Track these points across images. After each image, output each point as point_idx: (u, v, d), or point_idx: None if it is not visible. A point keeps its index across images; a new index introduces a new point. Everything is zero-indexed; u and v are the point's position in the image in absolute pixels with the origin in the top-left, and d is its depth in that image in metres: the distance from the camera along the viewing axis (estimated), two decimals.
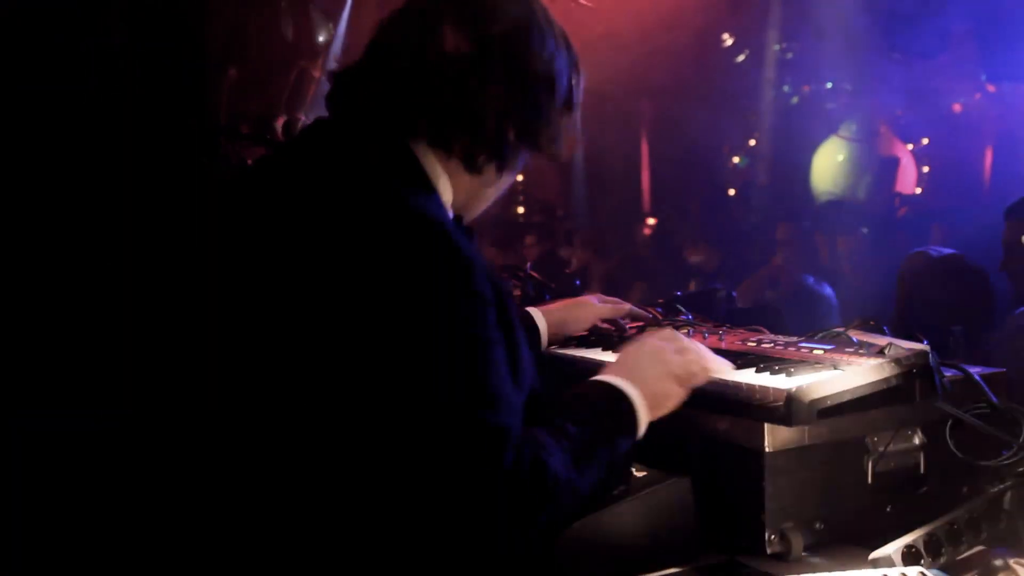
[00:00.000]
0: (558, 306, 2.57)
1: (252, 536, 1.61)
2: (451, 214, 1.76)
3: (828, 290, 4.97)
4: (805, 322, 4.18)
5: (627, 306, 2.64)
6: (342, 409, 1.53)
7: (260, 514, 1.60)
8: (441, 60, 1.70)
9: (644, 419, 1.77)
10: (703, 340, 2.34)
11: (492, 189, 1.86)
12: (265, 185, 1.75)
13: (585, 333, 2.57)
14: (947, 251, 3.82)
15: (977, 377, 2.10)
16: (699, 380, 1.87)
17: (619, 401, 1.75)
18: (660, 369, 1.83)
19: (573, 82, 1.84)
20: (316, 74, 4.30)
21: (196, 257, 1.80)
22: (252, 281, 1.62)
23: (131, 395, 2.32)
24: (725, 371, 1.92)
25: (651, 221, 9.43)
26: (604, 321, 2.59)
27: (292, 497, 1.58)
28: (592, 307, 2.57)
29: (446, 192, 1.76)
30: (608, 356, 2.33)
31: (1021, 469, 2.00)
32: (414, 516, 1.54)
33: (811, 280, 5.01)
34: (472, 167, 1.75)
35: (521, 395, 1.63)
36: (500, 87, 1.71)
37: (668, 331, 2.00)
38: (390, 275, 1.52)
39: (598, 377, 1.82)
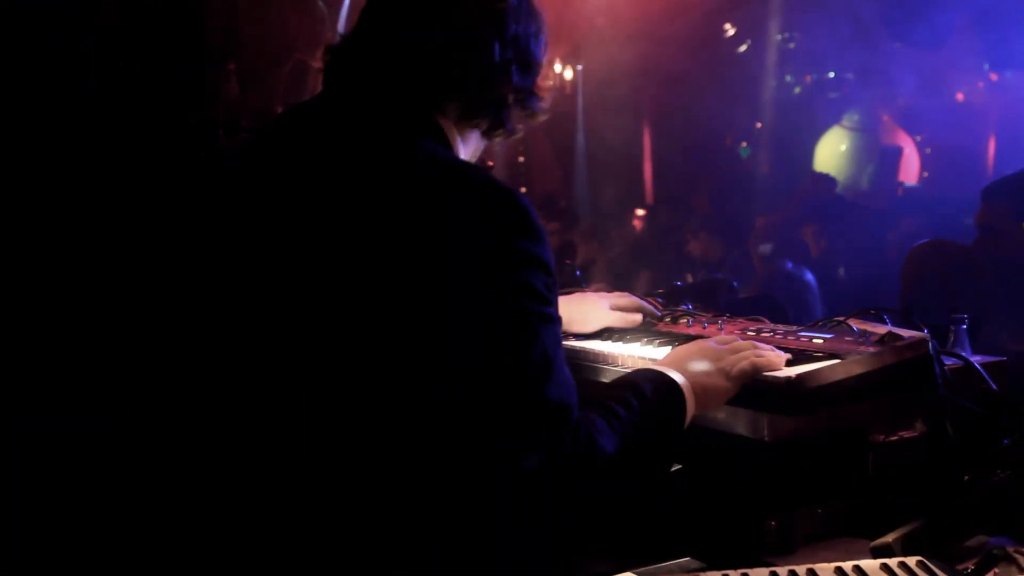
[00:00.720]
0: (564, 302, 2.49)
1: (292, 527, 1.57)
2: None
3: (809, 276, 4.95)
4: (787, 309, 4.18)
5: (638, 302, 2.56)
6: (402, 385, 1.51)
7: (307, 503, 1.56)
8: (454, 32, 1.71)
9: (691, 408, 1.80)
10: (703, 330, 2.34)
11: (478, 150, 1.86)
12: (283, 163, 1.70)
13: (593, 333, 2.50)
14: (951, 242, 3.81)
15: (977, 365, 2.10)
16: (749, 377, 1.89)
17: (669, 390, 1.79)
18: (711, 365, 1.88)
19: (543, 42, 1.85)
20: (317, 65, 4.29)
21: (198, 251, 1.78)
22: (289, 257, 1.58)
23: (142, 392, 2.32)
24: (779, 365, 1.92)
25: (640, 212, 9.40)
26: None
27: (346, 476, 1.54)
28: (603, 311, 2.48)
29: (463, 155, 1.77)
30: (618, 347, 2.31)
31: (1021, 457, 2.00)
32: (467, 492, 1.55)
33: (790, 266, 4.99)
34: (488, 133, 1.78)
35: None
36: (509, 56, 1.74)
37: (726, 336, 2.05)
38: (459, 241, 1.50)
39: (650, 366, 1.87)
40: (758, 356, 1.91)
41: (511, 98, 1.77)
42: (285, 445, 1.57)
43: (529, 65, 1.78)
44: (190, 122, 2.72)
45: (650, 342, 2.31)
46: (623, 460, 1.63)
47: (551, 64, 1.94)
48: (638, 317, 2.50)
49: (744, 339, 2.19)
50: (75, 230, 2.47)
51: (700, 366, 1.87)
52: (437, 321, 1.49)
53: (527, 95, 1.80)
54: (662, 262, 7.53)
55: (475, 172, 1.60)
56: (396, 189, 1.54)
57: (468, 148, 1.79)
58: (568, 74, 9.44)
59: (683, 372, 1.84)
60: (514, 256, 1.52)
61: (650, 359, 2.06)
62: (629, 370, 1.97)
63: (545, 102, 1.84)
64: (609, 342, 2.40)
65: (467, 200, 1.53)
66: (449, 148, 1.71)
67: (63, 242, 2.46)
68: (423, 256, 1.50)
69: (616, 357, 2.23)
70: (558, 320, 1.58)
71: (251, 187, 1.71)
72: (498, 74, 1.73)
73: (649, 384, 1.77)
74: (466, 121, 1.75)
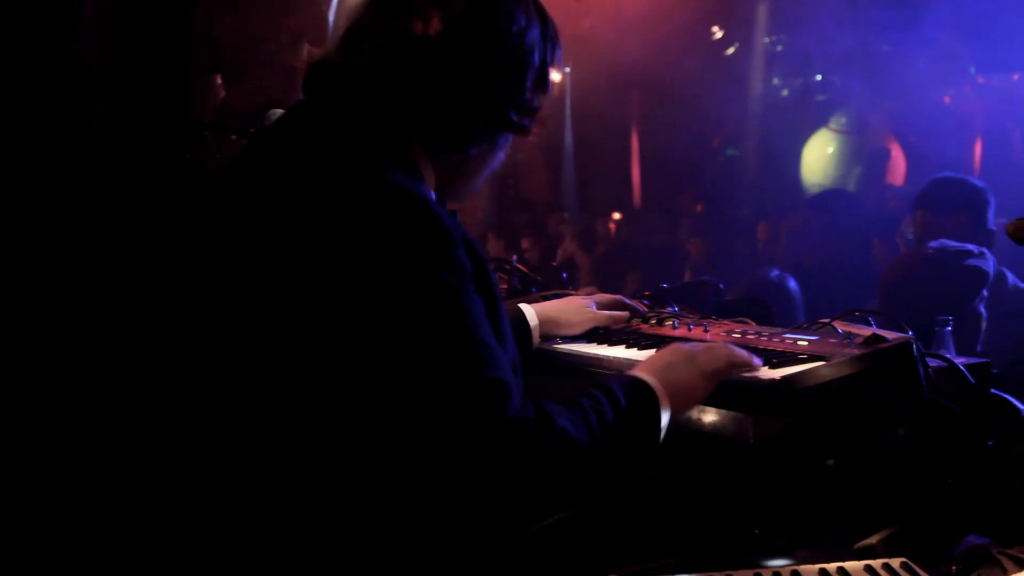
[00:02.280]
0: (551, 304, 2.51)
1: (261, 524, 1.59)
2: (434, 195, 1.76)
3: (792, 284, 4.94)
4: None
5: (623, 300, 2.59)
6: (338, 387, 1.55)
7: (266, 503, 1.59)
8: (409, 43, 1.71)
9: (665, 406, 1.78)
10: (688, 332, 2.34)
11: (471, 168, 1.86)
12: (248, 172, 1.75)
13: (582, 333, 2.51)
14: (935, 244, 3.81)
15: (962, 367, 2.10)
16: (726, 374, 1.89)
17: (638, 387, 1.78)
18: (686, 365, 1.87)
19: (548, 56, 1.85)
20: (303, 66, 4.28)
21: (178, 249, 1.79)
22: (239, 265, 1.63)
23: (119, 391, 2.31)
24: (755, 365, 1.93)
25: (616, 216, 9.41)
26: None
27: (299, 484, 1.57)
28: (589, 311, 2.50)
29: (427, 173, 1.78)
30: (603, 350, 2.32)
31: (1005, 458, 2.01)
32: (427, 485, 1.56)
33: (775, 274, 4.98)
34: (446, 147, 1.77)
35: (507, 358, 1.64)
36: (469, 65, 1.72)
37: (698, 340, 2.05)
38: (374, 247, 1.54)
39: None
40: (733, 355, 1.91)
41: (483, 114, 1.77)
42: (241, 437, 1.61)
43: (507, 80, 1.77)
44: (173, 121, 2.72)
45: (635, 344, 2.31)
46: (592, 449, 1.61)
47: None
48: (625, 314, 2.52)
49: (730, 341, 2.20)
50: (52, 229, 2.46)
51: (673, 367, 1.86)
52: (365, 322, 1.54)
53: (503, 113, 1.78)
54: (651, 264, 7.54)
55: (390, 190, 1.61)
56: (324, 204, 1.60)
57: (440, 165, 1.80)
58: (556, 77, 9.46)
59: (654, 374, 1.82)
60: (427, 260, 1.56)
61: (635, 361, 2.06)
62: (614, 372, 1.97)
63: (529, 121, 1.84)
64: (594, 344, 2.40)
65: (379, 215, 1.57)
66: (405, 165, 1.71)
67: (41, 241, 2.45)
68: (345, 266, 1.55)
69: (601, 359, 2.23)
70: (479, 308, 1.60)
71: (217, 194, 1.77)
72: (464, 90, 1.73)
73: (616, 383, 1.77)
74: (429, 139, 1.76)
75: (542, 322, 2.43)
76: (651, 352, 2.08)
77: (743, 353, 1.93)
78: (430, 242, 1.57)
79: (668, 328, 2.41)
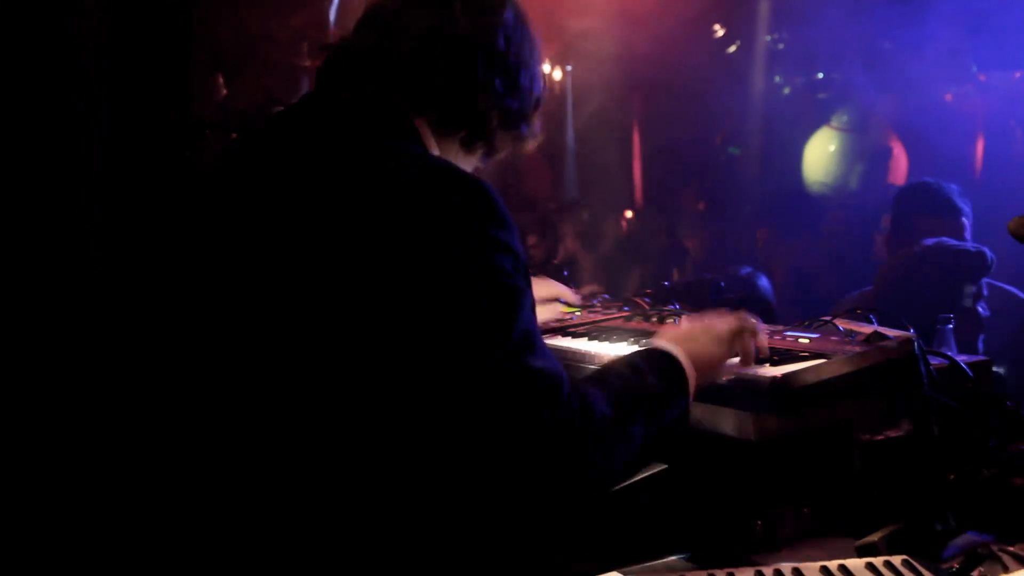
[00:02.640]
0: None
1: (292, 520, 1.55)
2: None
3: (764, 282, 4.94)
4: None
5: (556, 291, 2.65)
6: (390, 377, 1.52)
7: (298, 499, 1.55)
8: (445, 43, 1.75)
9: (690, 371, 1.80)
10: None
11: (469, 168, 1.88)
12: (267, 162, 1.71)
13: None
14: (932, 242, 3.81)
15: (963, 365, 2.10)
16: (739, 338, 1.93)
17: (662, 356, 1.80)
18: (705, 334, 1.90)
19: (538, 72, 1.89)
20: (305, 64, 4.29)
21: (187, 246, 1.76)
22: (264, 259, 1.58)
23: (119, 391, 2.31)
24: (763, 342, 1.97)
25: (628, 214, 9.40)
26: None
27: (332, 480, 1.54)
28: (555, 308, 2.56)
29: None
30: (605, 348, 2.31)
31: (1006, 456, 2.01)
32: (477, 474, 1.56)
33: (747, 271, 4.98)
34: (466, 147, 1.81)
35: None
36: (495, 72, 1.77)
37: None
38: (430, 229, 1.52)
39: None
40: (743, 318, 1.95)
41: (495, 116, 1.81)
42: (274, 440, 1.56)
43: (516, 85, 1.81)
44: (172, 120, 2.72)
45: (636, 342, 2.31)
46: (623, 423, 1.62)
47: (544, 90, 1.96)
48: (554, 306, 2.60)
49: None
50: (50, 227, 2.46)
51: (694, 338, 1.88)
52: (416, 309, 1.51)
53: (514, 117, 1.83)
54: (652, 262, 7.54)
55: (444, 165, 1.64)
56: (368, 184, 1.57)
57: (448, 157, 1.80)
58: (557, 74, 9.44)
59: (675, 342, 1.84)
60: (483, 242, 1.54)
61: None
62: None
63: (534, 129, 1.89)
64: (596, 342, 2.40)
65: (435, 191, 1.56)
66: (424, 149, 1.73)
67: (41, 241, 2.45)
68: (397, 248, 1.51)
69: (603, 358, 2.23)
70: (531, 299, 1.60)
71: (229, 184, 1.73)
72: (480, 87, 1.76)
73: (641, 357, 1.79)
74: (443, 130, 1.78)
75: None
76: None
77: (750, 318, 1.97)
78: (500, 231, 1.56)
79: (670, 325, 2.41)
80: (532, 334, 1.56)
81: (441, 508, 1.59)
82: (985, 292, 3.73)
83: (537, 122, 1.91)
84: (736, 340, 1.92)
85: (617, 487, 1.98)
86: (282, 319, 1.55)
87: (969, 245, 3.72)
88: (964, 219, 4.10)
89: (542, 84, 1.90)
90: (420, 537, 1.58)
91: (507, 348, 1.51)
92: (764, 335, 2.00)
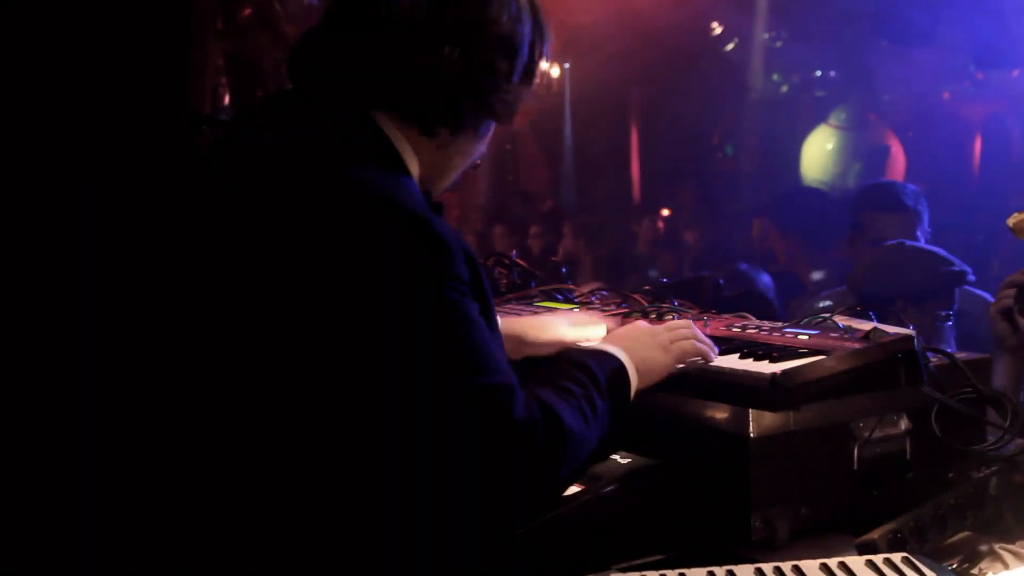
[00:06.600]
0: (520, 320, 2.31)
1: (263, 530, 1.57)
2: (418, 187, 1.74)
3: (765, 277, 4.94)
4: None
5: (598, 320, 2.30)
6: (341, 401, 1.52)
7: (266, 511, 1.57)
8: (395, 24, 1.68)
9: (634, 381, 1.82)
10: None
11: (456, 158, 1.83)
12: (231, 170, 1.70)
13: (545, 356, 2.17)
14: (910, 242, 3.83)
15: (962, 363, 2.10)
16: (687, 349, 1.94)
17: (612, 363, 1.80)
18: (648, 340, 1.92)
19: (536, 52, 1.82)
20: None
21: (165, 251, 1.75)
22: (223, 279, 1.60)
23: (118, 391, 2.30)
24: (709, 354, 1.98)
25: (665, 212, 9.36)
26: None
27: (301, 495, 1.55)
28: (559, 332, 2.22)
29: (412, 164, 1.74)
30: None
31: (1006, 454, 2.00)
32: (438, 493, 1.55)
33: (745, 266, 4.97)
34: (427, 131, 1.73)
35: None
36: (455, 51, 1.69)
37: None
38: (369, 265, 1.52)
39: (591, 346, 1.91)
40: (694, 331, 1.97)
41: (466, 100, 1.73)
42: (219, 458, 1.59)
43: (494, 69, 1.73)
44: (167, 117, 2.71)
45: None
46: (585, 433, 1.63)
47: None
48: (600, 331, 2.23)
49: (729, 335, 2.19)
50: (39, 226, 2.45)
51: (639, 341, 1.90)
52: (358, 341, 1.52)
53: (487, 101, 1.75)
54: (650, 258, 7.55)
55: (383, 196, 1.58)
56: (304, 215, 1.56)
57: (423, 153, 1.76)
58: (555, 72, 9.44)
59: (625, 350, 1.85)
60: (418, 274, 1.54)
61: None
62: None
63: (512, 111, 1.81)
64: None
65: (366, 224, 1.54)
66: (389, 160, 1.69)
67: (30, 241, 2.44)
68: (326, 282, 1.52)
69: None
70: (477, 317, 1.59)
71: (191, 190, 1.73)
72: (449, 80, 1.70)
73: (595, 363, 1.78)
74: (411, 125, 1.72)
75: (506, 337, 2.12)
76: None
77: (700, 333, 1.99)
78: (430, 258, 1.54)
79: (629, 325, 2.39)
80: (479, 351, 1.55)
81: (417, 519, 1.58)
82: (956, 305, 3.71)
83: (525, 92, 1.83)
84: (675, 346, 1.93)
85: (607, 489, 1.97)
86: (225, 335, 1.58)
87: (940, 250, 3.73)
88: (919, 218, 4.21)
89: (530, 51, 1.80)
90: (402, 548, 1.58)
91: (456, 371, 1.52)
92: (698, 329, 2.01)
